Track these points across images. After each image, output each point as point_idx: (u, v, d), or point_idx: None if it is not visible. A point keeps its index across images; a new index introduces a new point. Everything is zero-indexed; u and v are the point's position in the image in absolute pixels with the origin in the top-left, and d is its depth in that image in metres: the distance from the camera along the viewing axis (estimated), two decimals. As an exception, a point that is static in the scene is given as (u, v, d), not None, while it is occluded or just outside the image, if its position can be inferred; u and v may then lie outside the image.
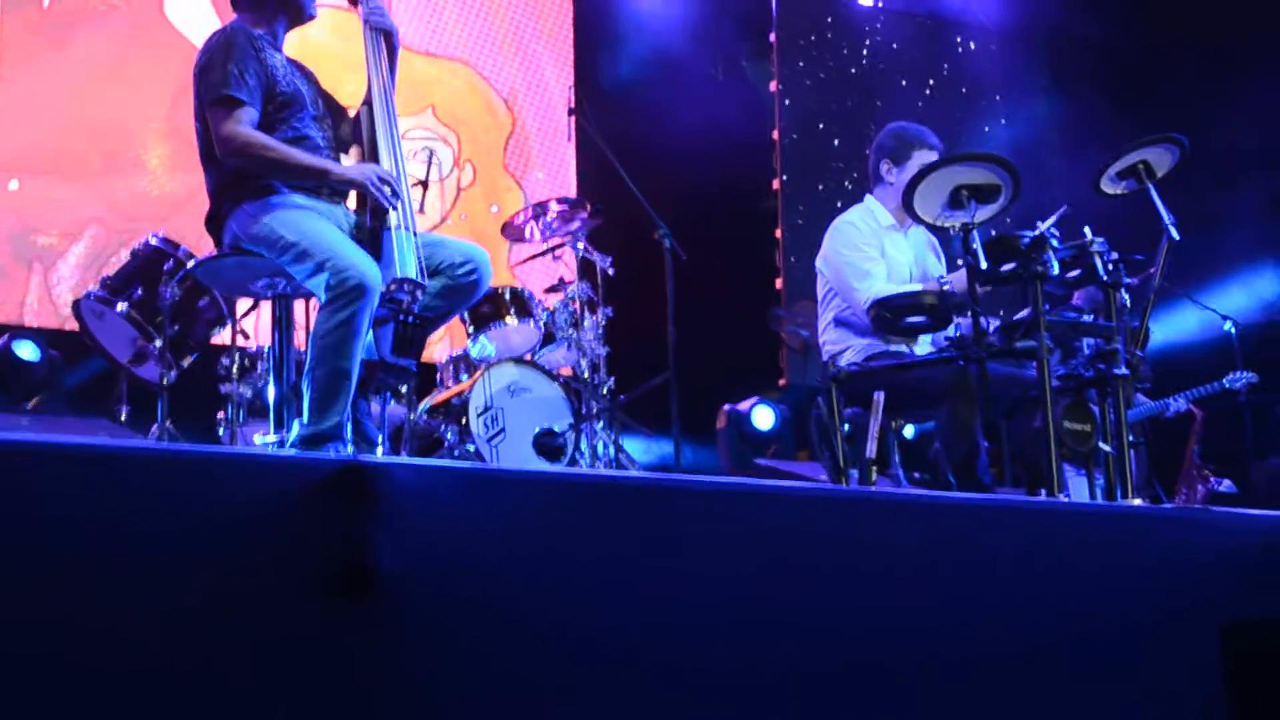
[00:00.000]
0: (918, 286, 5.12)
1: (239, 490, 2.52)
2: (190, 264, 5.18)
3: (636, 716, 2.75)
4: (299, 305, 4.60)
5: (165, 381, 5.31)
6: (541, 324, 6.40)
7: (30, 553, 2.32)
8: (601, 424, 6.36)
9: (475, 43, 8.87)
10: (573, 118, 7.48)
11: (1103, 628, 3.31)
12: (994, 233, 4.59)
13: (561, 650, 2.70)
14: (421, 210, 5.50)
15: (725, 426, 8.24)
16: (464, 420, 5.93)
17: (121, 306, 5.43)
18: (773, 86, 9.84)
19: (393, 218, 4.22)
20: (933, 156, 5.16)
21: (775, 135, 9.75)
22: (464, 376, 6.37)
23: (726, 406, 8.30)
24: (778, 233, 9.63)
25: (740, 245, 9.32)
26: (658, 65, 8.99)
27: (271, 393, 4.37)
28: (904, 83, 10.10)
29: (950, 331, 4.76)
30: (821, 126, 9.86)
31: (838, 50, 10.03)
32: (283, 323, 4.37)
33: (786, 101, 9.82)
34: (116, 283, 5.54)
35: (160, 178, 7.65)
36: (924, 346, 5.18)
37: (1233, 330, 7.56)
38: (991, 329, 4.52)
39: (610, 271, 6.57)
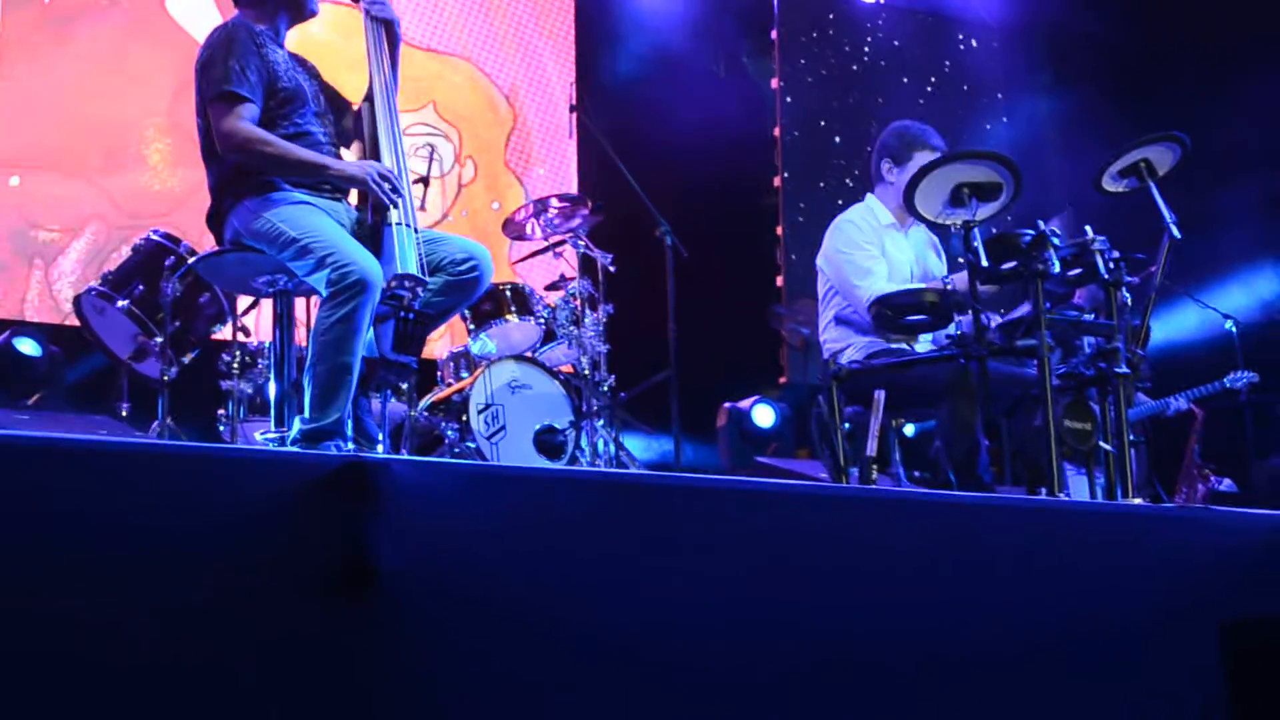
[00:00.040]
0: (919, 285, 5.12)
1: (240, 488, 2.52)
2: (191, 260, 5.18)
3: (636, 715, 2.75)
4: (300, 302, 4.60)
5: (166, 378, 5.32)
6: (542, 321, 6.40)
7: (31, 550, 2.33)
8: (602, 421, 6.36)
9: (477, 39, 8.87)
10: (574, 114, 7.47)
11: (1103, 627, 3.31)
12: (994, 230, 4.59)
13: (561, 648, 2.70)
14: (423, 207, 5.49)
15: (726, 424, 8.24)
16: (464, 417, 5.93)
17: (122, 302, 5.43)
18: (774, 83, 9.84)
19: (393, 214, 4.21)
20: (932, 157, 5.16)
21: (776, 132, 9.75)
22: (465, 374, 6.37)
23: (727, 404, 8.30)
24: (779, 230, 9.62)
25: (741, 242, 9.32)
26: (659, 62, 8.99)
27: (272, 389, 4.36)
28: (905, 80, 10.10)
29: (951, 330, 4.76)
30: (823, 124, 9.86)
31: (839, 47, 10.03)
32: (284, 319, 4.37)
33: (788, 98, 9.81)
34: (118, 279, 5.55)
35: (161, 173, 7.65)
36: (925, 345, 5.18)
37: (1234, 329, 7.56)
38: (993, 325, 4.52)
39: (611, 268, 6.57)
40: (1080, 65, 9.64)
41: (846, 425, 4.74)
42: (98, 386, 6.39)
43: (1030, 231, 4.38)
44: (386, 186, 4.21)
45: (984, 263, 4.39)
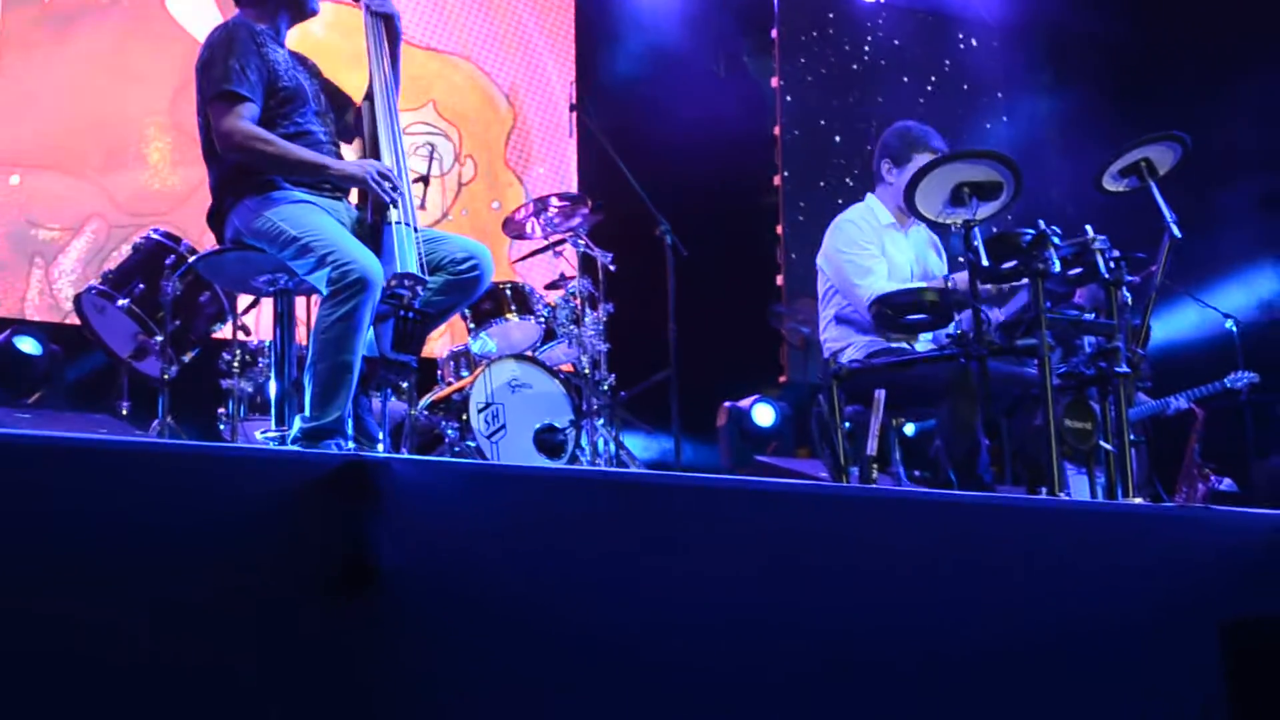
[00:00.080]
0: (920, 284, 5.12)
1: (241, 487, 2.52)
2: (192, 259, 5.18)
3: (636, 715, 2.75)
4: (300, 301, 4.60)
5: (166, 377, 5.31)
6: (542, 320, 6.40)
7: (31, 549, 2.32)
8: (602, 420, 6.36)
9: (477, 37, 8.87)
10: (574, 113, 7.47)
11: (1103, 626, 3.31)
12: (994, 230, 4.59)
13: (561, 648, 2.70)
14: (422, 206, 5.50)
15: (726, 423, 8.24)
16: (465, 416, 5.93)
17: (123, 301, 5.43)
18: (774, 82, 9.83)
19: (393, 213, 4.22)
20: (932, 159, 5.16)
21: (776, 131, 9.75)
22: (465, 373, 6.37)
23: (727, 403, 8.30)
24: (779, 229, 9.62)
25: (741, 242, 9.32)
26: (659, 61, 8.98)
27: (273, 388, 4.37)
28: (905, 79, 10.10)
29: (951, 329, 4.76)
30: (823, 123, 9.86)
31: (839, 46, 10.03)
32: (284, 318, 4.37)
33: (788, 97, 9.81)
34: (118, 277, 5.54)
35: (162, 172, 7.65)
36: (925, 344, 5.18)
37: (1234, 328, 7.56)
38: (995, 321, 4.52)
39: (611, 267, 6.57)
40: (1080, 65, 9.64)
41: (847, 424, 4.74)
42: (98, 385, 6.39)
43: (1031, 231, 4.38)
44: (386, 185, 4.21)
45: (984, 262, 4.39)
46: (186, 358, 5.51)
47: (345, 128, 4.55)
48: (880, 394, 4.47)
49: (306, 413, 4.02)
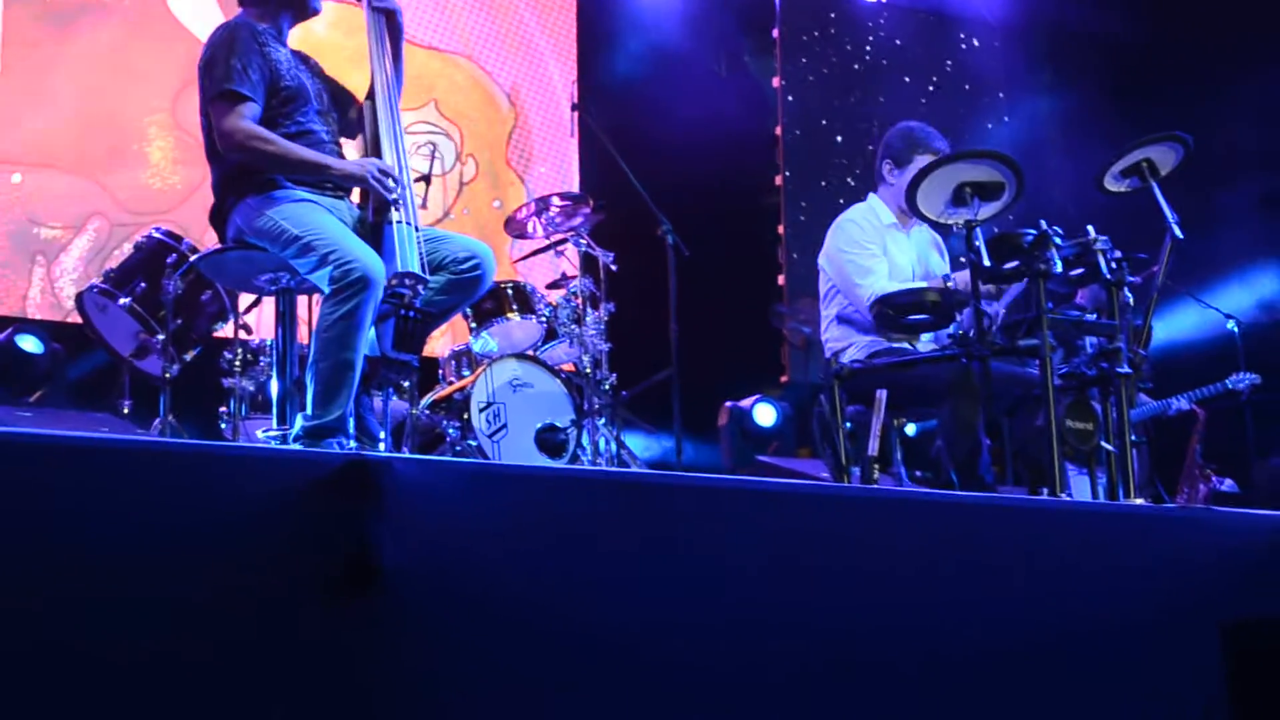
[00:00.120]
0: (920, 284, 5.12)
1: (243, 486, 2.52)
2: (194, 258, 5.18)
3: (637, 714, 2.75)
4: (302, 300, 4.60)
5: (167, 375, 5.31)
6: (544, 319, 6.39)
7: (33, 547, 2.33)
8: (603, 420, 6.36)
9: (478, 37, 8.87)
10: (576, 113, 7.47)
11: (1104, 627, 3.31)
12: (996, 230, 4.59)
13: (562, 647, 2.70)
14: (424, 205, 5.49)
15: (727, 423, 8.23)
16: (466, 416, 5.92)
17: (124, 300, 5.43)
18: (775, 82, 9.83)
19: (395, 212, 4.22)
20: (934, 161, 5.16)
21: (778, 131, 9.74)
22: (466, 372, 6.37)
23: (728, 403, 8.29)
24: (780, 229, 9.62)
25: (742, 241, 9.31)
26: (660, 60, 8.98)
27: (274, 388, 4.37)
28: (907, 79, 10.09)
29: (952, 329, 4.76)
30: (824, 122, 9.85)
31: (841, 46, 10.02)
32: (286, 318, 4.38)
33: (789, 97, 9.81)
34: (119, 276, 5.54)
35: (163, 171, 7.65)
36: (926, 344, 5.18)
37: (1235, 329, 7.56)
38: (995, 311, 4.52)
39: (613, 267, 6.57)
40: (1082, 65, 9.63)
41: (848, 424, 4.74)
42: (99, 384, 6.39)
43: (1032, 231, 4.38)
44: (388, 182, 4.21)
45: (986, 262, 4.39)
46: (188, 356, 5.51)
47: (348, 125, 4.56)
48: (882, 394, 4.47)
49: (309, 411, 4.02)
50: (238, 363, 5.61)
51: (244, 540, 2.48)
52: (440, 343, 7.10)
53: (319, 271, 4.07)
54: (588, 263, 6.57)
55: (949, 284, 4.77)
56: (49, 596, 2.31)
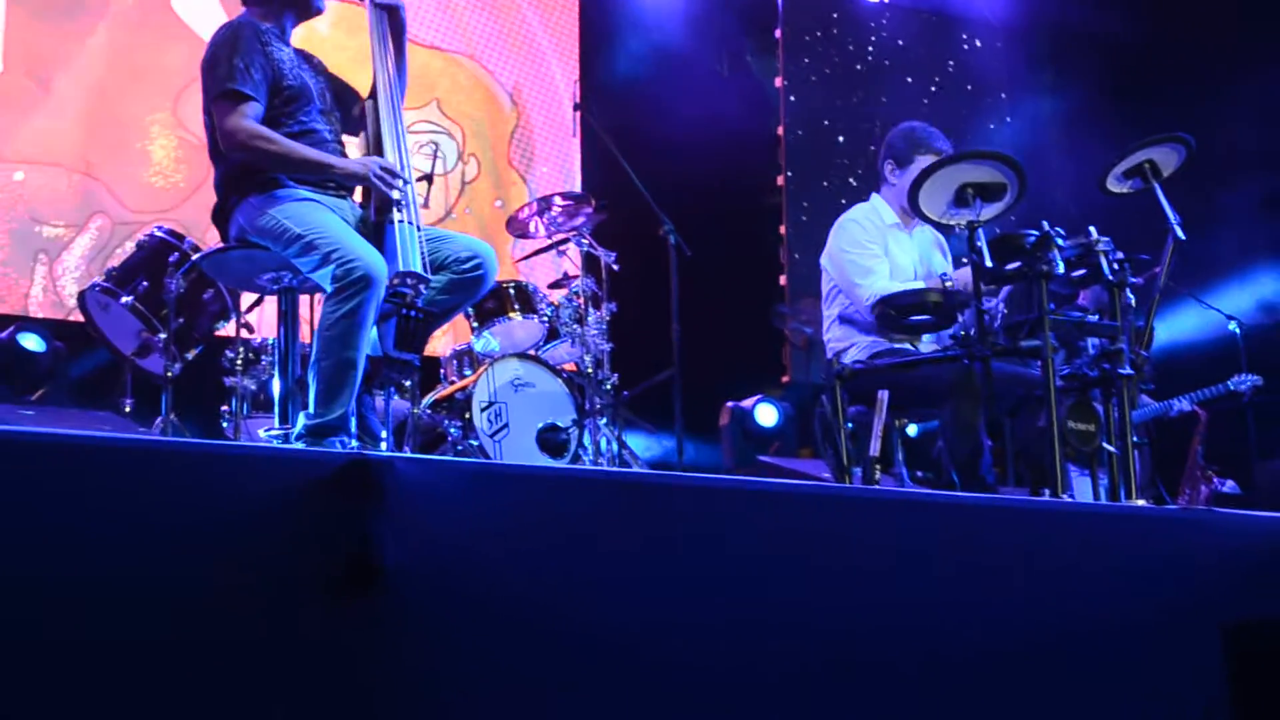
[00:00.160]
0: (920, 284, 5.12)
1: (245, 485, 2.52)
2: (196, 257, 5.18)
3: (639, 714, 2.75)
4: (304, 299, 4.60)
5: (169, 374, 5.31)
6: (545, 319, 6.40)
7: (35, 546, 2.33)
8: (605, 420, 6.36)
9: (481, 36, 8.87)
10: (578, 112, 7.47)
11: (1105, 628, 3.31)
12: (998, 231, 4.59)
13: (564, 647, 2.70)
14: (426, 204, 5.50)
15: (728, 423, 8.23)
16: (467, 415, 5.93)
17: (126, 299, 5.43)
18: (778, 82, 9.83)
19: (396, 211, 4.22)
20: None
21: (780, 131, 9.74)
22: (468, 371, 6.37)
23: (730, 403, 8.29)
24: (782, 229, 9.62)
25: (744, 241, 9.31)
26: (662, 60, 8.98)
27: (276, 387, 4.37)
28: (909, 79, 10.09)
29: (954, 330, 4.76)
30: (826, 123, 9.85)
31: (843, 46, 10.02)
32: (288, 317, 4.38)
33: (791, 97, 9.80)
34: (122, 274, 5.54)
35: (166, 169, 7.65)
36: (928, 345, 5.18)
37: (1237, 330, 7.56)
38: (994, 306, 4.51)
39: (615, 267, 6.57)
40: (1084, 65, 9.62)
41: (850, 425, 4.74)
42: (101, 382, 6.39)
43: (1035, 232, 4.38)
44: (390, 178, 4.21)
45: (988, 263, 4.39)
46: (190, 355, 5.51)
47: (352, 122, 4.56)
48: (884, 395, 4.46)
49: (311, 410, 4.03)
50: (239, 361, 5.61)
51: (246, 539, 2.48)
52: (442, 342, 7.11)
53: (321, 270, 4.07)
54: (589, 262, 6.57)
55: (947, 283, 4.77)
56: (50, 595, 2.31)
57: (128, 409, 5.72)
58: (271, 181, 4.21)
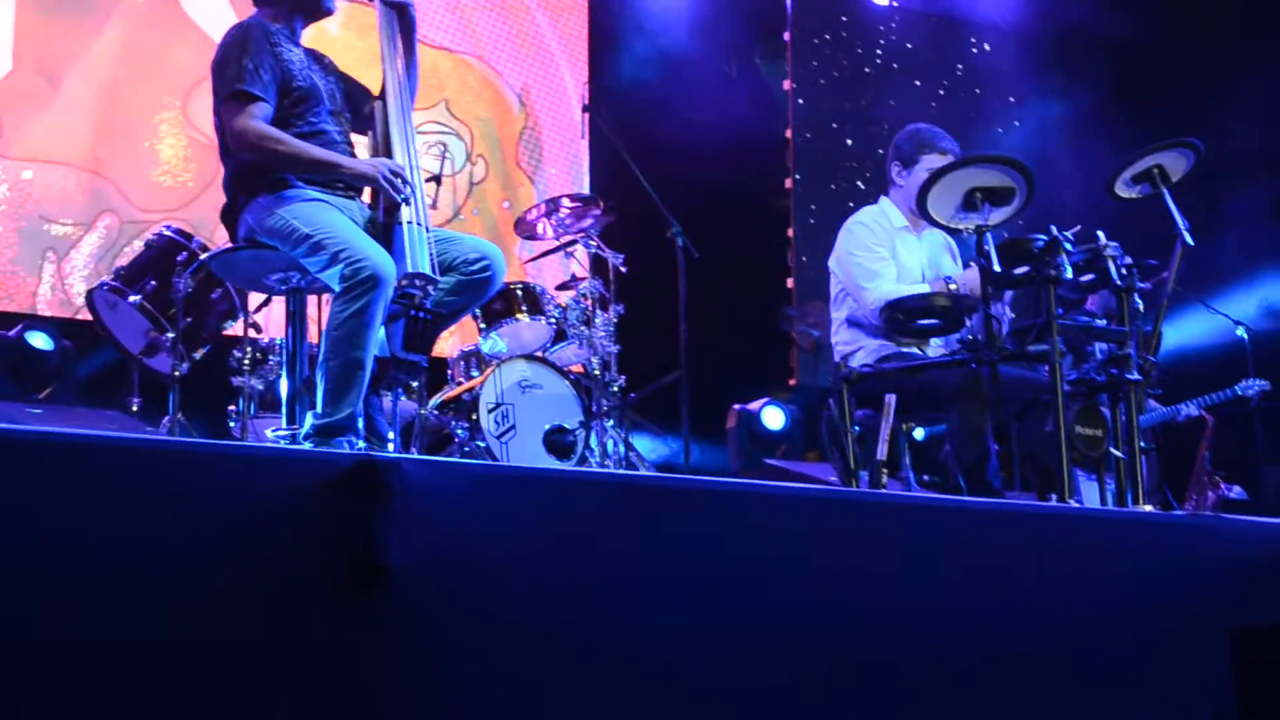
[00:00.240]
0: (927, 288, 5.12)
1: (252, 485, 2.53)
2: (204, 256, 5.19)
3: (642, 716, 2.75)
4: (312, 299, 4.61)
5: (177, 373, 5.32)
6: (553, 321, 6.40)
7: (40, 545, 2.33)
8: (612, 422, 6.36)
9: (490, 38, 8.87)
10: (586, 114, 7.47)
11: (1112, 633, 3.31)
12: (1006, 235, 4.58)
13: (567, 649, 2.70)
14: (434, 205, 5.50)
15: (735, 426, 8.23)
16: (474, 416, 5.93)
17: (134, 298, 5.44)
18: (786, 85, 9.82)
19: (405, 212, 4.23)
20: (941, 160, 5.15)
21: (788, 134, 9.73)
22: (475, 372, 6.37)
23: (736, 406, 8.29)
24: (790, 232, 9.61)
25: (752, 244, 9.31)
26: (671, 63, 8.98)
27: (284, 386, 4.38)
28: (918, 83, 10.08)
29: (962, 334, 4.76)
30: (835, 126, 9.84)
31: (852, 49, 10.01)
32: (296, 317, 4.38)
33: (800, 100, 9.80)
34: (130, 273, 5.55)
35: (175, 168, 7.66)
36: (936, 349, 5.17)
37: (1245, 335, 7.55)
38: (1001, 311, 4.51)
39: (622, 269, 6.57)
40: (1092, 70, 9.62)
41: (856, 428, 4.74)
42: (109, 381, 6.39)
43: (1043, 236, 4.38)
44: (398, 182, 4.22)
45: (996, 267, 4.38)
46: (198, 355, 5.51)
47: (363, 122, 4.56)
48: (891, 398, 4.46)
49: (318, 410, 4.03)
50: (247, 361, 5.62)
51: (252, 539, 2.48)
52: (449, 343, 7.11)
53: (329, 270, 4.08)
54: (597, 264, 6.58)
55: (953, 286, 4.76)
56: (56, 594, 2.32)
57: (135, 408, 5.73)
58: (280, 182, 4.22)
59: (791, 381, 9.38)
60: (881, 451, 4.41)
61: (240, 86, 4.18)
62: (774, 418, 8.27)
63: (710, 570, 2.89)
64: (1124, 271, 4.43)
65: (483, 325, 6.35)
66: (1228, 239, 8.01)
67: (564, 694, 2.68)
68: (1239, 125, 8.19)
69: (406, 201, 4.23)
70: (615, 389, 6.38)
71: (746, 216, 9.26)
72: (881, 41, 10.10)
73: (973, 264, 4.64)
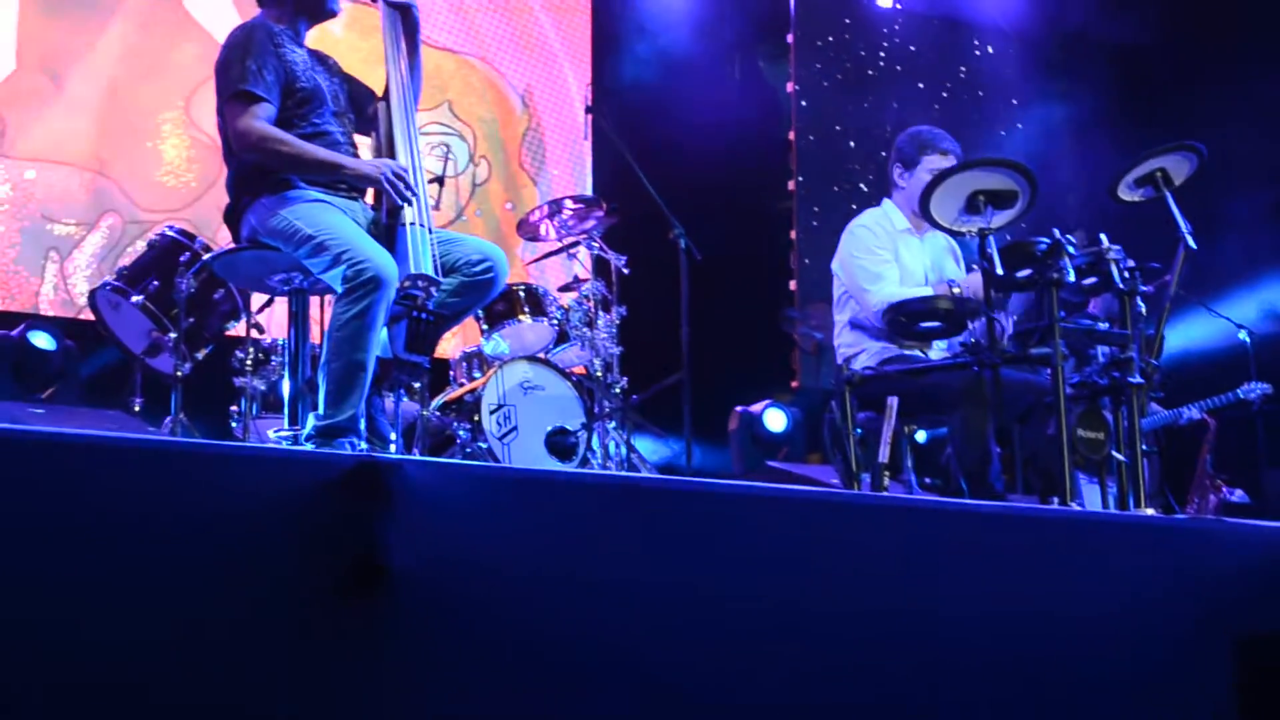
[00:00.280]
0: (929, 290, 5.12)
1: (254, 486, 2.52)
2: (207, 257, 5.19)
3: (643, 717, 2.75)
4: (314, 300, 4.61)
5: (179, 374, 5.33)
6: (555, 322, 6.40)
7: (41, 545, 2.33)
8: (614, 424, 6.36)
9: (493, 39, 8.88)
10: (589, 115, 7.47)
11: (1113, 637, 3.31)
12: (1009, 238, 4.58)
13: (568, 650, 2.70)
14: (437, 206, 5.50)
15: (737, 428, 8.23)
16: (476, 418, 5.93)
17: (137, 298, 5.44)
18: (789, 87, 9.82)
19: (408, 214, 4.23)
20: (942, 161, 5.16)
21: (791, 136, 9.73)
22: (477, 374, 6.37)
23: (738, 408, 8.29)
24: (792, 234, 9.61)
25: (755, 246, 9.31)
26: (674, 64, 8.98)
27: (287, 387, 4.38)
28: (921, 85, 10.08)
29: (964, 337, 4.76)
30: (838, 128, 9.84)
31: (855, 52, 10.01)
32: (298, 318, 4.39)
33: (803, 102, 9.80)
34: (133, 274, 5.56)
35: (177, 169, 7.66)
36: (938, 351, 5.17)
37: (1247, 339, 7.54)
38: (1007, 317, 4.52)
39: (625, 270, 6.57)
40: (1095, 72, 9.62)
41: (859, 431, 4.74)
42: (111, 381, 6.40)
43: (1046, 240, 4.38)
44: (400, 185, 4.22)
45: (999, 270, 4.38)
46: (200, 355, 5.52)
47: (367, 123, 4.56)
48: (893, 401, 4.46)
49: (320, 411, 4.03)
50: (249, 362, 5.62)
51: (253, 540, 2.48)
52: (452, 344, 7.11)
53: (332, 271, 4.08)
54: (600, 266, 6.58)
55: (956, 290, 4.77)
56: (57, 594, 2.32)
57: (137, 408, 5.73)
58: (283, 183, 4.22)
59: (793, 384, 9.38)
60: (883, 454, 4.41)
61: (244, 87, 4.19)
62: (776, 420, 8.27)
63: (711, 573, 2.89)
64: (1126, 275, 4.44)
65: (485, 326, 6.35)
66: (1230, 242, 8.01)
67: (565, 696, 2.68)
68: (1241, 128, 8.18)
69: (409, 203, 4.23)
70: (617, 391, 6.38)
71: (749, 218, 9.26)
72: (885, 44, 10.10)
73: (975, 267, 4.64)
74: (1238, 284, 8.44)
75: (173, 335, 5.35)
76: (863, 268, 5.17)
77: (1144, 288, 4.47)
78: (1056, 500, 4.21)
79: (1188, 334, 8.02)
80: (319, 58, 4.49)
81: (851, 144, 9.81)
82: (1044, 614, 3.24)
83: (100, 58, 7.56)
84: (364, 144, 4.59)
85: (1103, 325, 4.52)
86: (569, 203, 6.71)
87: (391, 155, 4.35)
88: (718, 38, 9.36)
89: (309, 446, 3.98)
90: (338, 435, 3.99)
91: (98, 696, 2.32)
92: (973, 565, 3.21)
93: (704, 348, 6.64)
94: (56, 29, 7.49)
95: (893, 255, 5.21)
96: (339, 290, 4.05)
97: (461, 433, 5.96)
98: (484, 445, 5.88)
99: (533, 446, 5.99)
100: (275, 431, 4.46)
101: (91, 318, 5.83)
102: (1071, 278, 4.33)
